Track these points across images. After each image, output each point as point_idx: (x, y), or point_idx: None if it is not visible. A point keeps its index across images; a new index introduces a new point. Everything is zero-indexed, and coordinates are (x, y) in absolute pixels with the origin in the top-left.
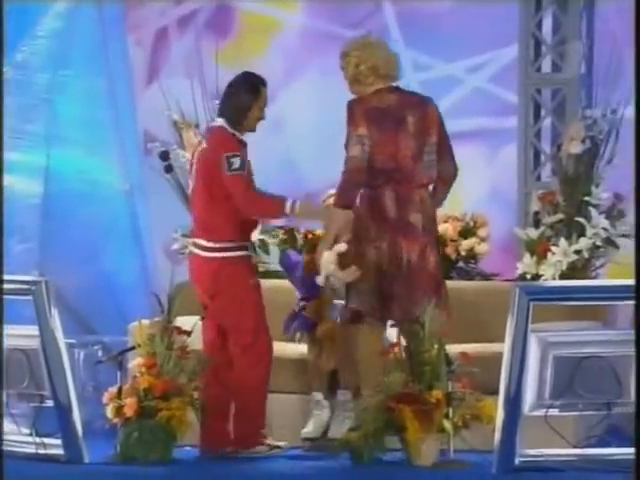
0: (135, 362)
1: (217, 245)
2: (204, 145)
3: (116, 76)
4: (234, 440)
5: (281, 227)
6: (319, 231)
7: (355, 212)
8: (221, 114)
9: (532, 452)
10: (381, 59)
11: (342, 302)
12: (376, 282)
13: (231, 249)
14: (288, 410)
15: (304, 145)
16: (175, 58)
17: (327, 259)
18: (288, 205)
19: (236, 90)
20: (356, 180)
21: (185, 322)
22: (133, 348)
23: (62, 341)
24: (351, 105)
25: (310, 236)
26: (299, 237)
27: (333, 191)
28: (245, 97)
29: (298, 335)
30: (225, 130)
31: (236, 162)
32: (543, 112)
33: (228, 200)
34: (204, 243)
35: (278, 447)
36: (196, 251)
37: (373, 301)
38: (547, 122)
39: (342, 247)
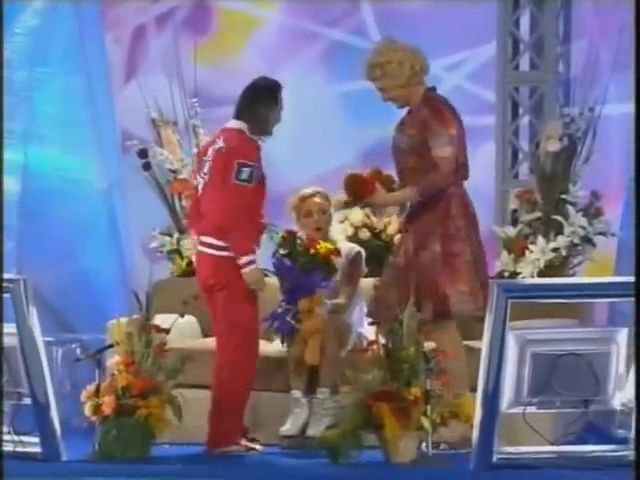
0: (113, 360)
1: (226, 244)
2: (221, 144)
3: (94, 74)
4: (209, 438)
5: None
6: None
7: (443, 210)
8: (239, 117)
9: (510, 449)
10: (423, 57)
11: (334, 302)
12: (474, 279)
13: None
14: (267, 408)
15: (283, 143)
16: (153, 56)
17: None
18: (245, 260)
19: (256, 97)
20: (448, 182)
21: (164, 320)
22: (111, 346)
23: (40, 339)
24: (438, 104)
25: (312, 251)
26: (299, 242)
27: (311, 190)
28: (268, 105)
29: (274, 335)
30: (243, 134)
31: (245, 172)
32: (521, 110)
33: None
34: (214, 242)
35: (254, 449)
36: (203, 249)
37: (479, 300)
38: (525, 120)
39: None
